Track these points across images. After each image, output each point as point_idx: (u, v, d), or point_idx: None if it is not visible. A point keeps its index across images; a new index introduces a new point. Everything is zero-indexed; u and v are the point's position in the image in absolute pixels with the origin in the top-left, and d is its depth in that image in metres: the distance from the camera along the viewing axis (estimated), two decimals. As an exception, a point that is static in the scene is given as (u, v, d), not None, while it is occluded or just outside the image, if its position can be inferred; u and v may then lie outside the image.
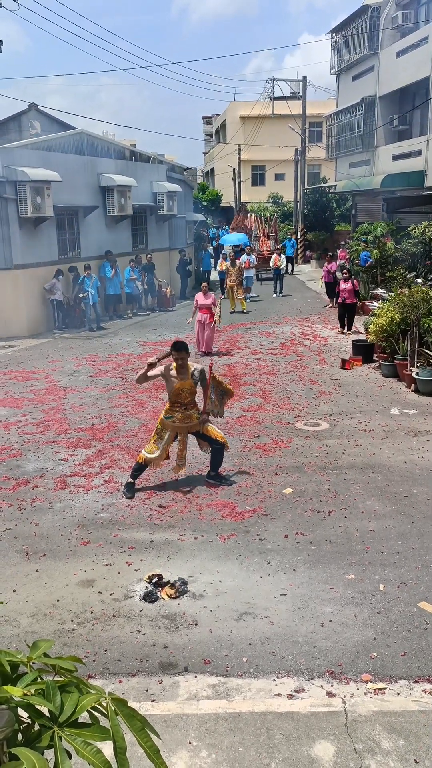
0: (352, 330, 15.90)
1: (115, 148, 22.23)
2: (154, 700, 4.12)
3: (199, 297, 14.02)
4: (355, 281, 16.10)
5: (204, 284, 14.37)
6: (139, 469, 7.26)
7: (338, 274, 20.81)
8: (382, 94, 26.45)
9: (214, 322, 14.03)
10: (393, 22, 25.24)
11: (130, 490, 7.17)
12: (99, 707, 1.72)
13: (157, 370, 7.14)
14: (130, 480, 7.26)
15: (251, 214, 34.96)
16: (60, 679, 1.76)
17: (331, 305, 19.78)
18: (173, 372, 7.13)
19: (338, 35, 30.50)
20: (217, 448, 7.33)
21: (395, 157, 25.15)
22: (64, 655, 2.46)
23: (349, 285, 15.57)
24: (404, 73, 24.03)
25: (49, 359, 14.37)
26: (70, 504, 7.00)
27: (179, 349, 7.07)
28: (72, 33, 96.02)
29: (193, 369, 7.19)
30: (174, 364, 7.13)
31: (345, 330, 16.02)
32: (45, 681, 1.71)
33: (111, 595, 5.28)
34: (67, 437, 9.08)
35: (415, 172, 22.77)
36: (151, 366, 7.03)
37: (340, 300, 15.97)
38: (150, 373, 7.09)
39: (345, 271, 16.26)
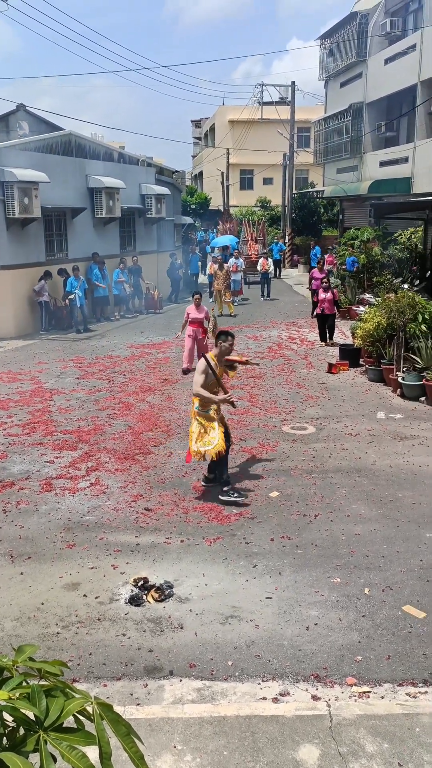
0: (334, 339, 15.39)
1: (103, 150, 22.21)
2: (139, 704, 4.10)
3: (191, 310, 12.80)
4: (335, 291, 15.62)
5: (197, 296, 13.00)
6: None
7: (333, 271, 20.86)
8: (370, 101, 26.65)
9: (207, 338, 12.79)
10: (381, 30, 25.45)
11: (235, 489, 7.06)
12: (84, 712, 1.71)
13: (210, 375, 7.09)
14: (226, 488, 7.01)
15: (234, 218, 35.10)
16: (45, 683, 1.75)
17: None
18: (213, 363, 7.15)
19: (327, 42, 30.71)
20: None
21: (382, 164, 25.35)
22: (49, 659, 2.45)
23: (329, 295, 15.03)
24: (392, 80, 24.24)
25: (36, 361, 14.30)
26: (55, 506, 6.96)
27: (232, 335, 7.30)
28: (61, 34, 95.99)
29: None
30: (212, 355, 7.18)
31: (327, 341, 15.38)
32: (30, 685, 1.70)
33: (96, 598, 5.25)
34: (53, 439, 9.03)
35: (402, 179, 22.97)
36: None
37: (319, 310, 15.35)
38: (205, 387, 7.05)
39: (326, 280, 15.75)
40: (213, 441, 6.95)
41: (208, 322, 12.53)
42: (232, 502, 6.92)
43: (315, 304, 15.90)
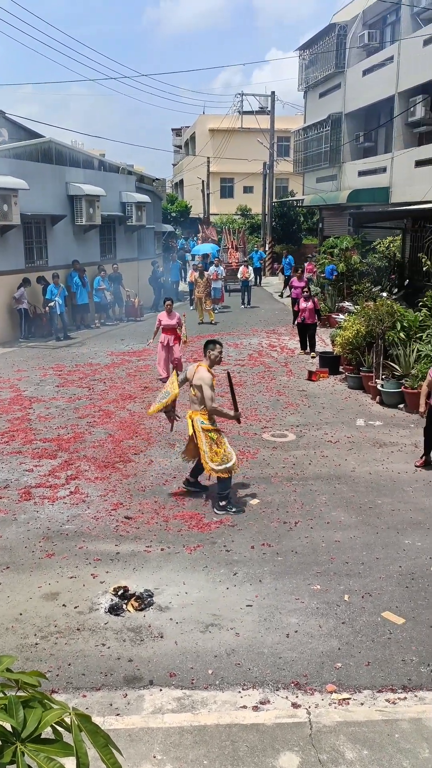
0: (315, 351, 15.00)
1: (83, 157, 22.19)
2: (118, 714, 4.07)
3: (162, 317, 12.63)
4: (315, 300, 15.38)
5: (168, 303, 12.70)
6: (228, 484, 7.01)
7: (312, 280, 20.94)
8: (349, 112, 26.96)
9: (181, 343, 12.64)
10: (359, 41, 25.78)
11: (231, 502, 7.00)
12: (63, 723, 1.70)
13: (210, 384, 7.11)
14: (224, 502, 6.94)
15: (212, 226, 35.23)
16: (23, 694, 1.74)
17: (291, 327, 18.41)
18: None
19: (306, 52, 31.03)
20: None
21: (361, 173, 25.63)
22: (28, 670, 2.42)
23: (310, 304, 14.79)
24: (370, 91, 24.56)
25: (15, 369, 14.19)
26: (34, 515, 6.90)
27: (219, 343, 7.35)
28: (40, 42, 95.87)
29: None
30: (205, 365, 7.14)
31: (308, 351, 15.17)
32: (7, 696, 1.68)
33: (75, 608, 5.21)
34: (33, 448, 8.97)
35: (380, 188, 23.24)
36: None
37: (299, 320, 15.17)
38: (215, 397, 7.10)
39: (306, 289, 15.58)
40: (231, 457, 6.90)
41: (181, 328, 12.44)
42: (225, 514, 6.88)
43: (296, 313, 15.77)
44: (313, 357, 14.70)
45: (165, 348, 12.60)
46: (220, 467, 6.80)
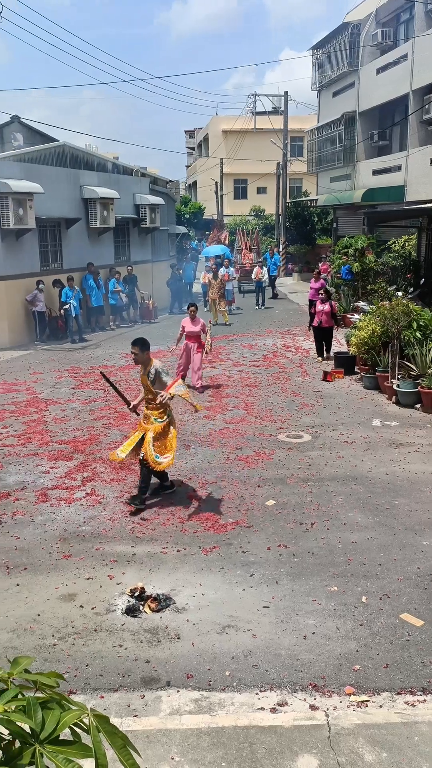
0: (331, 355, 14.39)
1: (97, 160, 22.28)
2: (136, 716, 4.08)
3: (186, 323, 11.89)
4: (333, 303, 14.53)
5: (191, 308, 11.94)
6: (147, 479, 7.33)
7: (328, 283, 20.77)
8: (363, 110, 26.83)
9: (204, 352, 12.07)
10: (373, 40, 25.65)
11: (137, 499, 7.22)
12: (81, 724, 1.70)
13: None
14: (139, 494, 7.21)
15: (225, 230, 35.26)
16: (41, 695, 1.74)
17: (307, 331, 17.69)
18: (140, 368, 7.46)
19: (319, 52, 30.94)
20: (144, 471, 7.19)
21: (375, 172, 25.49)
22: (45, 671, 2.43)
23: (326, 307, 14.04)
24: (384, 89, 24.42)
25: (31, 371, 14.29)
26: (51, 517, 6.93)
27: (133, 344, 7.33)
28: (54, 46, 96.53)
29: (152, 368, 7.25)
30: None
31: (323, 356, 14.51)
32: (26, 697, 1.69)
33: (92, 609, 5.23)
34: (49, 450, 9.01)
35: (395, 187, 23.08)
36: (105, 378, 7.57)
37: (315, 323, 14.42)
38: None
39: (323, 292, 14.65)
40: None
41: (206, 335, 11.89)
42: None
43: (312, 316, 15.03)
44: (326, 362, 14.19)
45: (186, 355, 12.06)
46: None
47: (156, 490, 7.51)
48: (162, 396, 7.04)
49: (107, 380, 7.71)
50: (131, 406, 7.54)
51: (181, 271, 24.57)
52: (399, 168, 23.36)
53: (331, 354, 14.45)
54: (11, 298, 17.22)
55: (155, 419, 7.16)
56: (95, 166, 21.67)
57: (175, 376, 12.09)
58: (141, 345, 7.22)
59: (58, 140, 21.51)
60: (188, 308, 12.11)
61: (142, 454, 7.07)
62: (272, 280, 27.24)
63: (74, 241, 19.92)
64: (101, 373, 8.12)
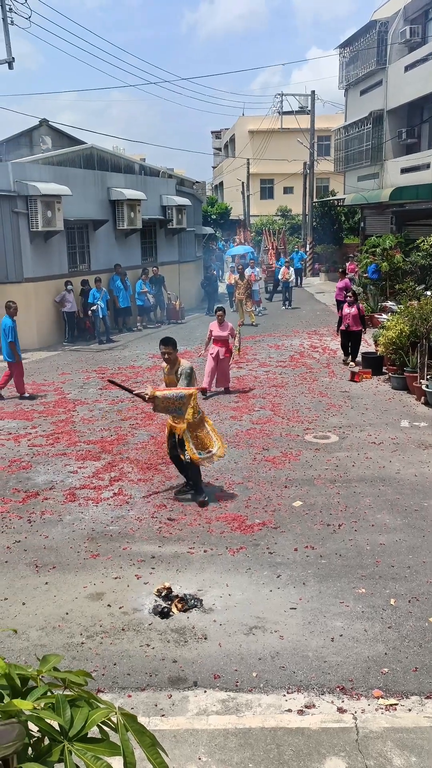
0: (357, 361, 13.93)
1: (124, 162, 22.43)
2: (163, 715, 4.09)
3: (214, 327, 11.81)
4: (361, 306, 14.07)
5: (219, 312, 11.88)
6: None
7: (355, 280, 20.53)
8: (390, 108, 26.58)
9: (233, 357, 11.93)
10: (401, 37, 25.40)
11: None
12: (109, 722, 1.71)
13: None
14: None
15: (249, 230, 35.25)
16: (70, 693, 1.76)
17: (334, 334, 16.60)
18: (164, 368, 7.48)
19: (346, 50, 30.74)
20: (193, 470, 7.27)
21: (404, 171, 25.23)
22: (74, 669, 2.45)
23: (354, 310, 13.59)
24: (412, 87, 24.17)
25: (59, 372, 14.44)
26: (79, 516, 7.00)
27: (165, 343, 7.28)
28: (82, 50, 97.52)
29: (182, 367, 7.26)
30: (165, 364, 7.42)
31: (349, 360, 14.02)
32: (55, 695, 1.70)
33: (120, 608, 5.26)
34: (77, 450, 9.09)
35: (424, 185, 22.81)
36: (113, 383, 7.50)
37: (343, 327, 13.92)
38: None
39: (350, 294, 14.17)
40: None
41: (234, 339, 11.74)
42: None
43: (341, 319, 14.34)
44: (351, 367, 13.66)
45: (215, 359, 11.72)
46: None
47: (181, 490, 7.53)
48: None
49: (117, 385, 7.51)
50: (149, 396, 7.02)
51: (215, 272, 24.55)
52: (428, 166, 23.09)
53: (356, 361, 13.90)
54: (40, 299, 17.43)
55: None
56: (122, 168, 21.82)
57: (204, 384, 11.74)
58: (174, 345, 7.28)
59: (85, 143, 21.71)
60: (215, 312, 12.03)
61: (188, 457, 7.14)
62: (297, 272, 27.24)
63: (102, 243, 20.08)
64: (109, 380, 7.93)
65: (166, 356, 7.31)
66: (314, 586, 5.47)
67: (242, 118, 53.63)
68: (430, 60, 22.78)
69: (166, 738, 3.83)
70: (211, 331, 11.90)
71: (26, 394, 12.08)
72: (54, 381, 13.50)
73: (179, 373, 7.22)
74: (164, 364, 7.47)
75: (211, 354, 11.80)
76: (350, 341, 14.01)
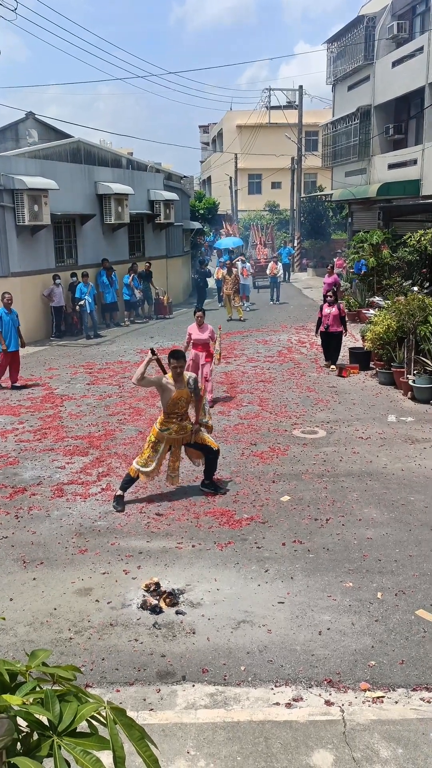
0: (338, 364, 13.21)
1: (111, 156, 22.31)
2: (152, 709, 4.10)
3: (193, 330, 10.55)
4: (341, 306, 13.31)
5: (198, 314, 10.55)
6: (130, 482, 7.17)
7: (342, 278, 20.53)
8: (378, 104, 26.61)
9: (214, 362, 10.82)
10: (388, 33, 25.42)
11: (120, 503, 7.07)
12: (98, 716, 1.71)
13: (154, 378, 7.16)
14: (119, 493, 7.14)
15: (235, 223, 35.27)
16: (59, 688, 1.76)
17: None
18: (169, 381, 7.03)
19: (334, 45, 30.70)
20: (211, 457, 7.30)
21: (391, 166, 25.29)
22: (62, 664, 2.45)
23: (334, 310, 12.93)
24: (399, 82, 24.20)
25: (46, 367, 14.37)
26: (67, 512, 6.98)
27: (177, 357, 7.04)
28: (69, 42, 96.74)
29: (187, 377, 7.16)
30: (170, 374, 7.09)
31: (330, 363, 13.32)
32: (44, 690, 1.70)
33: (108, 603, 5.26)
34: (65, 445, 9.06)
35: (411, 181, 22.89)
36: (154, 355, 6.96)
37: (322, 328, 13.12)
38: (150, 377, 7.11)
39: (330, 294, 13.48)
40: (147, 466, 7.08)
41: (215, 343, 10.61)
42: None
43: (320, 320, 13.28)
44: (332, 371, 13.10)
45: (194, 366, 10.48)
46: (135, 466, 7.09)
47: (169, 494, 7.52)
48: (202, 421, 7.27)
49: (155, 357, 7.06)
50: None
51: (208, 267, 24.43)
52: (415, 162, 23.15)
53: (337, 364, 13.22)
54: (27, 294, 17.32)
55: (191, 425, 7.22)
56: (110, 162, 21.71)
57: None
58: (185, 357, 7.21)
59: (72, 136, 21.56)
60: (195, 314, 10.72)
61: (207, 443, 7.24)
62: (285, 267, 27.25)
63: (89, 237, 19.99)
64: (151, 349, 7.26)
65: (178, 370, 7.00)
66: (302, 581, 5.50)
67: (230, 112, 53.43)
68: (417, 56, 22.81)
69: (155, 732, 3.84)
70: (190, 334, 10.62)
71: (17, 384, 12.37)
72: (41, 376, 13.44)
73: (190, 385, 7.12)
74: (166, 379, 7.04)
75: (191, 360, 10.42)
76: (330, 343, 13.31)
